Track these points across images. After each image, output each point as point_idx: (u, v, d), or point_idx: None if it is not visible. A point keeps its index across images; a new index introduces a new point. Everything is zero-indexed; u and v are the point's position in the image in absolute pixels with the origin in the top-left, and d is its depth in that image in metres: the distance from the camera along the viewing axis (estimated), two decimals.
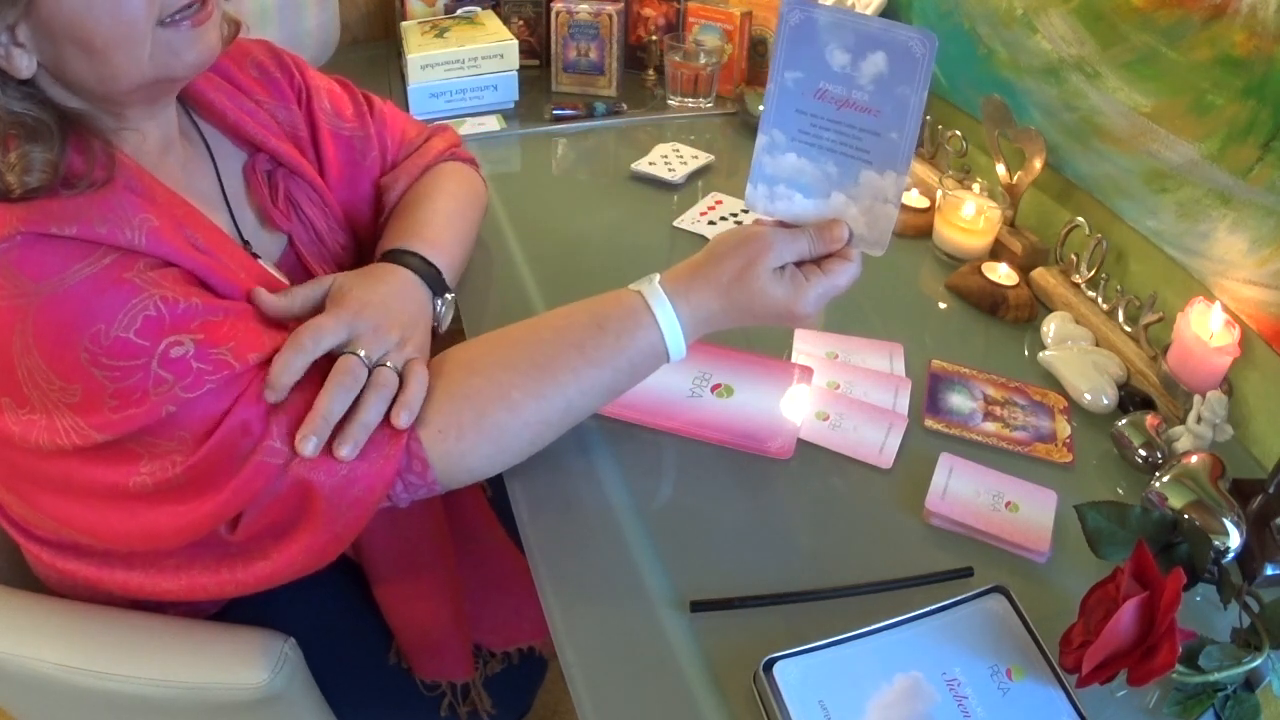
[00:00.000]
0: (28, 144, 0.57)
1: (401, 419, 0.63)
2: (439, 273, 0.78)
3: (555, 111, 1.41)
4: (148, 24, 0.60)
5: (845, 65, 0.67)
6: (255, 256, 0.75)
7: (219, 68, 0.78)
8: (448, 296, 0.78)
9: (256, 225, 0.79)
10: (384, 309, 0.70)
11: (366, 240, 0.89)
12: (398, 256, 0.77)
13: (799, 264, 0.70)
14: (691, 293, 0.69)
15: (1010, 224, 1.08)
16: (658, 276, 0.70)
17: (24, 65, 0.59)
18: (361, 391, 0.64)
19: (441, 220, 0.84)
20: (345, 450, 0.61)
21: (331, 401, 0.62)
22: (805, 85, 0.68)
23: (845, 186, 0.69)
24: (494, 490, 1.01)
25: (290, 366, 0.62)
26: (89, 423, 0.58)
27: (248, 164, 0.79)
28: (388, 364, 0.66)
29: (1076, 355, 0.90)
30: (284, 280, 0.76)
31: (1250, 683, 0.60)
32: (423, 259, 0.78)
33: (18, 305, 0.56)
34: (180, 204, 0.66)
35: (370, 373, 0.65)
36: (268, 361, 0.63)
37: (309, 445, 0.60)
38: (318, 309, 0.69)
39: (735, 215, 1.15)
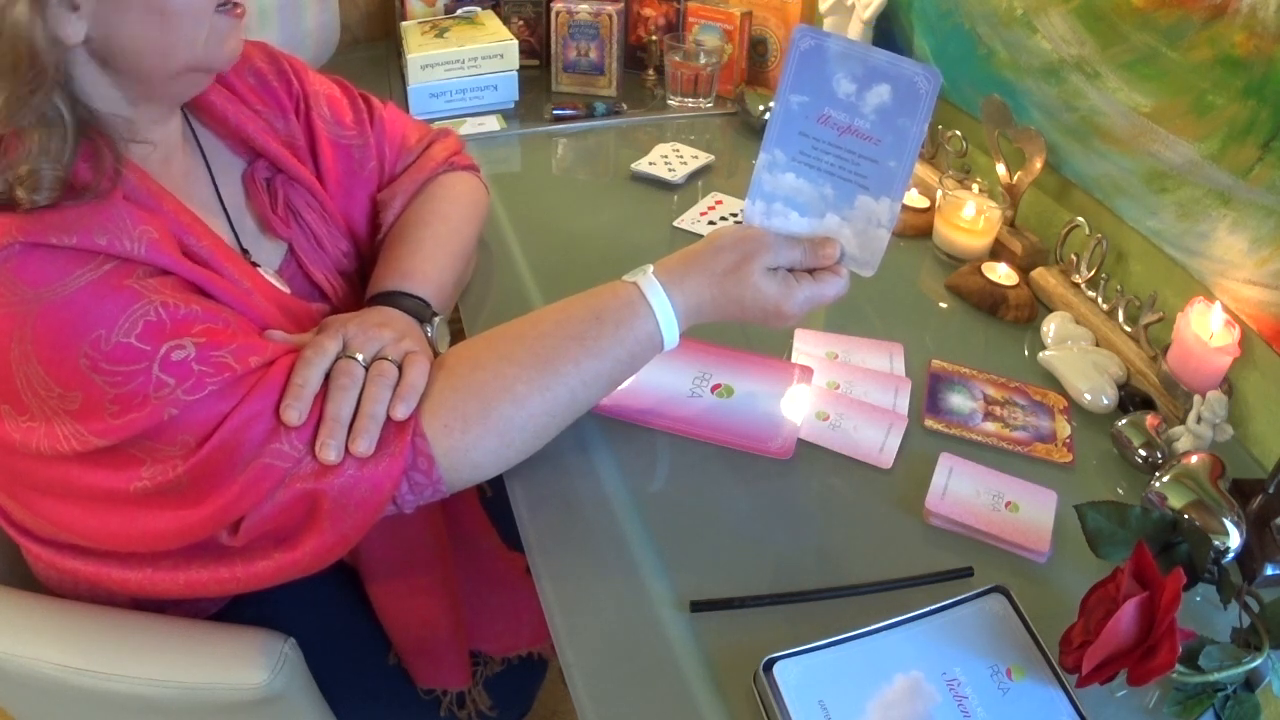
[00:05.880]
0: (40, 158, 0.56)
1: (399, 411, 0.63)
2: (425, 303, 0.79)
3: (555, 111, 1.41)
4: (213, 1, 0.64)
5: (850, 94, 0.70)
6: (255, 265, 0.75)
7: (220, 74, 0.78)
8: (435, 321, 0.78)
9: (256, 233, 0.79)
10: (376, 316, 0.72)
11: (365, 251, 0.89)
12: (382, 300, 0.78)
13: (790, 270, 0.73)
14: (685, 281, 0.71)
15: (1010, 224, 1.08)
16: (651, 267, 0.72)
17: (73, 31, 0.58)
18: (364, 387, 0.64)
19: (429, 247, 0.85)
20: (361, 446, 0.62)
21: (338, 405, 0.63)
22: (810, 109, 0.71)
23: (840, 208, 0.72)
24: (493, 492, 1.02)
25: (306, 382, 0.63)
26: (89, 429, 0.57)
27: (247, 172, 0.79)
28: (388, 357, 0.67)
29: (1076, 355, 0.90)
30: (285, 288, 0.76)
31: (1250, 683, 0.60)
32: (407, 295, 0.79)
33: (16, 313, 0.56)
34: (184, 212, 0.66)
35: (369, 368, 0.66)
36: (268, 365, 0.63)
37: (330, 451, 0.61)
38: None
39: (735, 215, 1.15)
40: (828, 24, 1.35)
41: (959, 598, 0.65)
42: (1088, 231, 0.98)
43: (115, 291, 0.58)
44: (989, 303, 0.99)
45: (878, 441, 0.81)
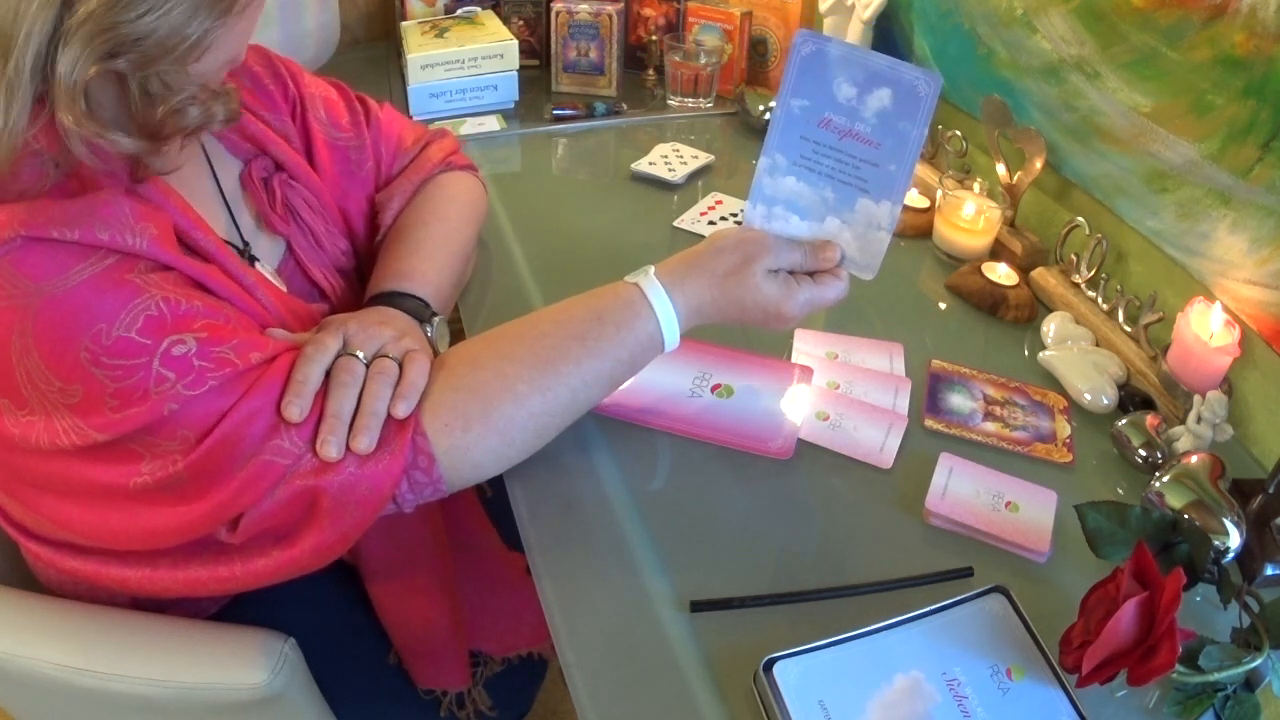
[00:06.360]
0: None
1: (399, 409, 0.64)
2: (424, 303, 0.79)
3: (555, 111, 1.41)
4: None
5: (851, 98, 0.70)
6: (255, 259, 0.75)
7: None
8: (435, 321, 0.79)
9: (254, 230, 0.79)
10: (376, 315, 0.73)
11: (363, 251, 0.89)
12: (381, 300, 0.78)
13: (791, 273, 0.73)
14: (687, 283, 0.71)
15: (1010, 224, 1.08)
16: (652, 268, 0.72)
17: None
18: (365, 384, 0.64)
19: (427, 247, 0.85)
20: (362, 443, 0.62)
21: (339, 401, 0.63)
22: (811, 114, 0.71)
23: (841, 212, 0.73)
24: (493, 492, 1.02)
25: (308, 379, 0.63)
26: (89, 423, 0.57)
27: (244, 172, 0.79)
28: (388, 355, 0.67)
29: (1076, 355, 0.90)
30: (283, 287, 0.76)
31: (1250, 683, 0.60)
32: (406, 295, 0.79)
33: (17, 306, 0.56)
34: (188, 208, 0.66)
35: (370, 365, 0.66)
36: (270, 361, 0.63)
37: (331, 448, 0.61)
38: None
39: (735, 215, 1.15)
40: (828, 24, 1.35)
41: (959, 598, 0.65)
42: (1088, 231, 0.98)
43: (116, 286, 0.58)
44: (989, 303, 0.99)
45: (878, 441, 0.81)
